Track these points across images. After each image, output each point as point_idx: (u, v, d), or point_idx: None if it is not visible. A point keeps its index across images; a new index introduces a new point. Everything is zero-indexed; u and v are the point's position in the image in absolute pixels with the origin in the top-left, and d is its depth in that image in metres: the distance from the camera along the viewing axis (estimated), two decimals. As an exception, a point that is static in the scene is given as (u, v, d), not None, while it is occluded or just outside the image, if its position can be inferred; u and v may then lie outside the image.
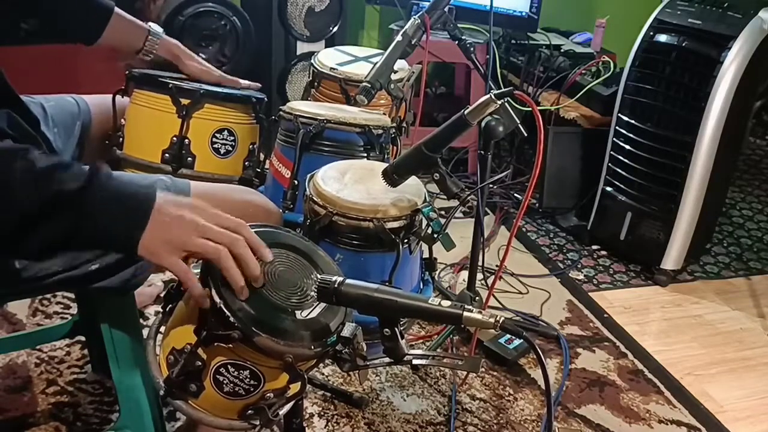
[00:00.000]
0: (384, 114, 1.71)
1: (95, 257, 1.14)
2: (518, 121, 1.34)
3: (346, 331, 0.95)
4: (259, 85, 1.55)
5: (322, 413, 1.73)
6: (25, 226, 0.84)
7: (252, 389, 0.93)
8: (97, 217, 0.87)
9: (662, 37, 2.32)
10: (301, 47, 2.94)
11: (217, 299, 0.89)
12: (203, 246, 0.88)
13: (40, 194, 0.84)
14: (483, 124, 1.39)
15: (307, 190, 1.39)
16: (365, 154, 1.60)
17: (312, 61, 1.86)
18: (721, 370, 2.05)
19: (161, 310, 1.02)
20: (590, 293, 2.36)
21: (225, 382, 0.92)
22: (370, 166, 1.48)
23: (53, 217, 0.85)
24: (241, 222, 0.93)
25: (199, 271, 0.94)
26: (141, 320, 1.66)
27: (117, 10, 1.40)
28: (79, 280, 1.15)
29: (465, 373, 1.87)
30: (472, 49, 1.82)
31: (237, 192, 1.29)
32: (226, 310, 0.88)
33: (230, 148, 1.44)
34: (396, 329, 0.91)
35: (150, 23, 1.45)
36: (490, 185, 2.82)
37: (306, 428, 1.41)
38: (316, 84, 1.84)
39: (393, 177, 1.34)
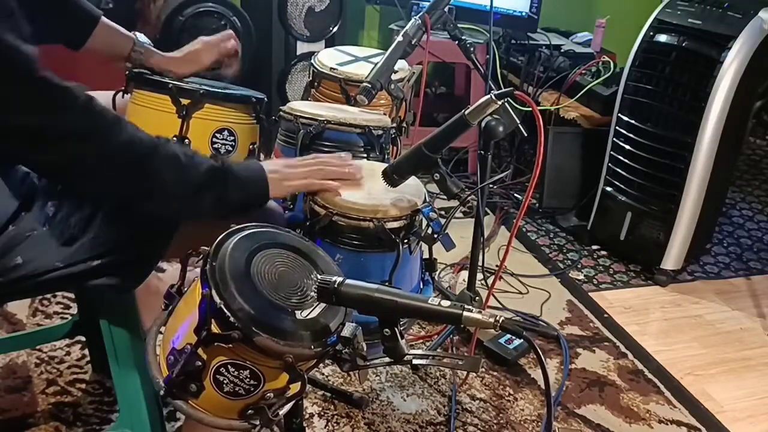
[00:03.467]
0: (384, 114, 1.71)
1: (96, 254, 1.15)
2: (518, 121, 1.34)
3: (346, 331, 0.95)
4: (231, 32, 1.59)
5: (322, 413, 1.73)
6: (196, 197, 1.10)
7: (252, 389, 0.93)
8: (240, 182, 1.14)
9: (662, 37, 2.32)
10: (301, 47, 2.94)
11: (217, 299, 0.89)
12: (303, 176, 1.25)
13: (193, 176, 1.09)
14: (483, 124, 1.38)
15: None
16: (365, 155, 1.60)
17: (312, 61, 1.86)
18: (721, 370, 2.05)
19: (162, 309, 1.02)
20: (590, 293, 2.36)
21: (225, 382, 0.92)
22: (371, 167, 1.48)
23: (211, 185, 1.10)
24: (315, 159, 1.30)
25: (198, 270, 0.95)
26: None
27: (104, 19, 1.42)
28: (79, 276, 1.15)
29: (465, 373, 1.87)
30: (472, 49, 1.82)
31: None
32: (226, 310, 0.88)
33: (230, 148, 1.44)
34: (396, 329, 0.91)
35: (137, 33, 1.47)
36: (490, 185, 2.82)
37: (306, 428, 1.41)
38: (316, 84, 1.84)
39: (393, 177, 1.34)
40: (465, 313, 0.87)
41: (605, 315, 2.24)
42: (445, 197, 1.37)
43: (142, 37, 1.47)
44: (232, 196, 1.13)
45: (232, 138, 1.44)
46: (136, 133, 1.06)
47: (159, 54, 1.49)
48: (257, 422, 0.96)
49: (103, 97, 1.44)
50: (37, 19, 1.30)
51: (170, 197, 1.10)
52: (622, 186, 2.46)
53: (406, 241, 1.35)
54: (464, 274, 2.18)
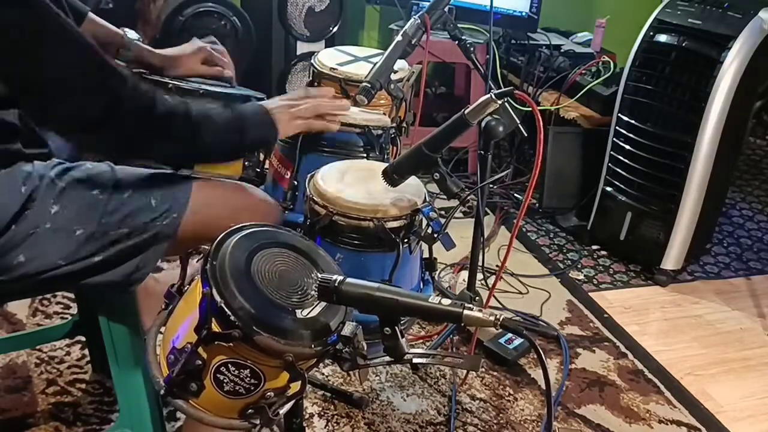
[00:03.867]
0: (384, 114, 1.71)
1: (97, 250, 1.15)
2: (518, 121, 1.35)
3: (347, 330, 0.95)
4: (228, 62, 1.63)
5: (322, 413, 1.73)
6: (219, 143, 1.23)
7: (252, 388, 0.93)
8: (254, 126, 1.29)
9: (662, 37, 2.32)
10: (301, 47, 2.94)
11: (217, 298, 0.89)
12: (306, 115, 1.40)
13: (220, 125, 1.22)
14: (483, 124, 1.39)
15: (307, 190, 1.39)
16: (365, 155, 1.61)
17: (312, 61, 1.86)
18: (721, 370, 2.05)
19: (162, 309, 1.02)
20: (590, 293, 2.35)
21: (225, 381, 0.92)
22: (370, 166, 1.48)
23: (233, 133, 1.25)
24: (315, 100, 1.43)
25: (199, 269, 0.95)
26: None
27: (91, 14, 1.41)
28: (80, 273, 1.15)
29: (465, 372, 1.87)
30: (472, 49, 1.82)
31: (238, 189, 1.30)
32: (226, 309, 0.88)
33: (230, 148, 1.44)
34: (396, 328, 0.91)
35: (126, 29, 1.46)
36: (490, 185, 2.82)
37: (306, 428, 1.41)
38: (316, 84, 1.84)
39: (393, 177, 1.34)
40: (465, 312, 0.87)
41: (605, 315, 2.24)
42: (445, 197, 1.37)
43: (131, 33, 1.46)
44: (249, 139, 1.28)
45: (232, 138, 1.43)
46: (169, 102, 1.16)
47: (149, 50, 1.48)
48: (257, 421, 0.96)
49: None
50: None
51: (205, 145, 1.22)
52: (622, 186, 2.46)
53: (406, 240, 1.36)
54: (464, 274, 2.18)
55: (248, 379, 0.92)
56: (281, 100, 1.39)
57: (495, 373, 1.92)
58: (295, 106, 1.38)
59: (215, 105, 1.26)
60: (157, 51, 1.50)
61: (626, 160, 2.41)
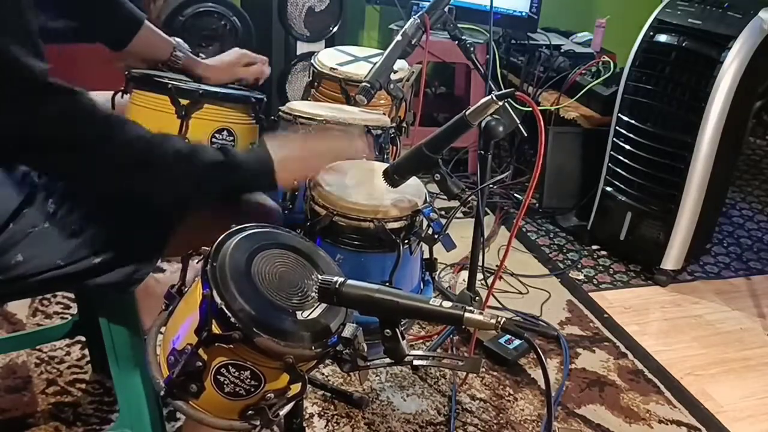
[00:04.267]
0: (384, 114, 1.71)
1: (96, 251, 1.15)
2: (518, 122, 1.35)
3: (347, 332, 0.95)
4: (265, 58, 1.61)
5: (322, 413, 1.73)
6: (200, 190, 1.11)
7: (253, 390, 0.93)
8: (243, 170, 1.14)
9: (662, 37, 2.31)
10: (301, 47, 2.94)
11: (218, 300, 0.89)
12: (314, 167, 1.28)
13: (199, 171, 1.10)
14: (483, 124, 1.39)
15: (307, 190, 1.39)
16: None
17: (312, 61, 1.86)
18: (721, 370, 2.05)
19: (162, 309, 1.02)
20: (590, 293, 2.35)
21: (226, 382, 0.92)
22: (371, 167, 1.48)
23: (216, 179, 1.11)
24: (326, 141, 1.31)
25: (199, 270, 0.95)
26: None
27: (147, 22, 1.44)
28: (80, 274, 1.15)
29: (465, 373, 1.87)
30: (472, 49, 1.82)
31: None
32: (227, 311, 0.88)
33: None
34: (397, 330, 0.91)
35: (176, 38, 1.49)
36: (491, 185, 2.81)
37: (306, 428, 1.41)
38: (316, 84, 1.84)
39: (393, 177, 1.34)
40: (466, 314, 0.87)
41: (605, 315, 2.24)
42: (445, 197, 1.37)
43: (182, 42, 1.49)
44: (236, 187, 1.17)
45: (231, 138, 1.43)
46: (140, 131, 1.06)
47: (195, 60, 1.52)
48: (257, 423, 0.96)
49: (102, 97, 1.44)
50: (82, 17, 1.33)
51: (177, 190, 1.11)
52: (622, 186, 2.45)
53: (406, 241, 1.36)
54: (464, 274, 2.18)
55: (248, 380, 0.92)
56: (295, 152, 1.23)
57: (495, 373, 1.92)
58: (307, 157, 1.24)
59: (209, 148, 1.15)
60: (202, 61, 1.53)
61: (626, 160, 2.41)
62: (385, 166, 1.38)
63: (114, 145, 1.03)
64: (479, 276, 1.88)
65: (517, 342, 1.98)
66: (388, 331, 0.91)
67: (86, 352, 1.83)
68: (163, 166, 1.07)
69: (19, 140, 0.97)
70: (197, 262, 0.96)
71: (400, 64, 1.75)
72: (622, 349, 2.09)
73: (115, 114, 1.09)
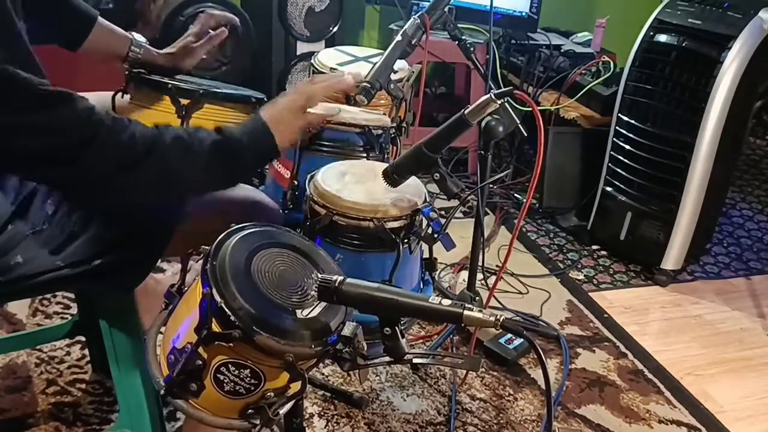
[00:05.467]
0: (384, 114, 1.71)
1: (96, 252, 1.15)
2: (518, 121, 1.35)
3: (347, 330, 0.95)
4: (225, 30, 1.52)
5: (322, 413, 1.73)
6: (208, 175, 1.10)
7: (252, 388, 0.93)
8: (247, 146, 1.13)
9: (662, 37, 2.32)
10: (301, 47, 2.94)
11: (217, 298, 0.89)
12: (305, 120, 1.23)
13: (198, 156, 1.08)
14: (483, 124, 1.39)
15: (307, 190, 1.39)
16: (365, 154, 1.61)
17: (312, 61, 1.86)
18: (721, 370, 2.05)
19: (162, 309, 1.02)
20: (590, 293, 2.35)
21: (225, 381, 0.92)
22: (370, 166, 1.48)
23: (217, 164, 1.10)
24: (305, 92, 1.24)
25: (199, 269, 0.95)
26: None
27: (100, 19, 1.40)
28: (80, 276, 1.15)
29: (465, 372, 1.87)
30: (472, 49, 1.82)
31: (238, 189, 1.30)
32: (226, 309, 0.88)
33: (230, 148, 1.43)
34: (396, 328, 0.91)
35: (133, 33, 1.46)
36: (490, 185, 2.82)
37: (306, 428, 1.41)
38: (316, 84, 1.83)
39: (393, 177, 1.34)
40: (466, 312, 0.87)
41: (605, 315, 2.24)
42: (445, 197, 1.37)
43: (139, 36, 1.46)
44: (243, 162, 1.14)
45: (232, 138, 1.43)
46: (137, 127, 1.05)
47: (156, 52, 1.47)
48: (257, 421, 0.96)
49: (102, 97, 1.44)
50: (33, 19, 1.31)
51: (182, 180, 1.10)
52: (622, 186, 2.45)
53: (406, 240, 1.36)
54: (464, 274, 2.18)
55: (248, 379, 0.92)
56: (282, 108, 1.23)
57: (495, 373, 1.92)
58: (295, 108, 1.23)
59: (204, 131, 1.14)
60: (161, 51, 1.49)
61: (626, 160, 2.41)
62: (384, 165, 1.38)
63: (117, 143, 1.02)
64: (479, 276, 1.89)
65: (517, 342, 1.98)
66: (387, 329, 0.91)
67: (86, 352, 1.83)
68: (166, 160, 1.06)
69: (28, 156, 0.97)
70: (197, 261, 0.96)
71: (400, 64, 1.75)
72: (622, 349, 2.09)
73: (112, 113, 1.06)
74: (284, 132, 1.17)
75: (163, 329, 1.01)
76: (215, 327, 0.89)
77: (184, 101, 1.37)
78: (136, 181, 1.05)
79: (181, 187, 1.11)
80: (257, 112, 1.19)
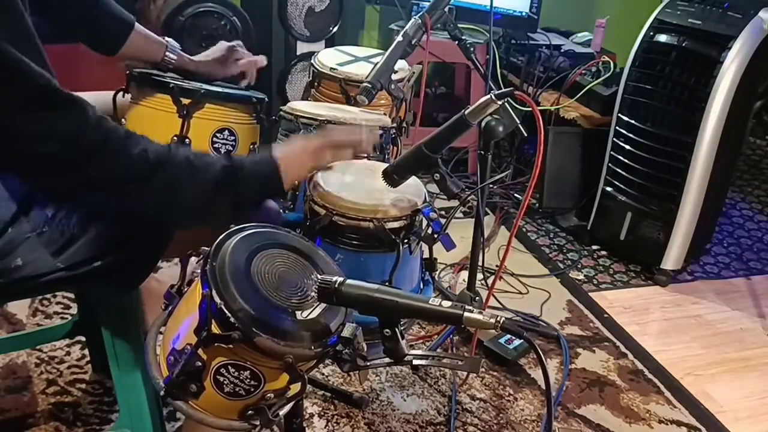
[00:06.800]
0: (384, 114, 1.71)
1: (96, 254, 1.14)
2: (518, 121, 1.34)
3: (347, 332, 0.95)
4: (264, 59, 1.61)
5: (322, 413, 1.73)
6: (208, 202, 1.11)
7: (252, 390, 0.93)
8: (253, 179, 1.14)
9: (662, 37, 2.32)
10: (301, 47, 2.94)
11: (217, 299, 0.89)
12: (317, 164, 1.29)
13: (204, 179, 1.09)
14: (483, 124, 1.39)
15: (307, 190, 1.39)
16: (365, 155, 1.60)
17: (312, 61, 1.86)
18: (721, 370, 2.05)
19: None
20: (590, 293, 2.35)
21: (225, 382, 0.92)
22: (370, 166, 1.48)
23: (223, 190, 1.10)
24: (321, 143, 1.28)
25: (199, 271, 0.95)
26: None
27: (137, 25, 1.43)
28: (80, 277, 1.15)
29: (465, 372, 1.87)
30: (472, 49, 1.82)
31: None
32: (226, 311, 0.88)
33: (231, 148, 1.44)
34: (396, 329, 0.91)
35: (168, 38, 1.49)
36: (490, 185, 2.82)
37: (306, 428, 1.41)
38: (316, 84, 1.84)
39: (393, 177, 1.34)
40: (466, 314, 0.86)
41: (605, 315, 2.24)
42: (445, 197, 1.37)
43: (173, 42, 1.49)
44: (246, 194, 1.14)
45: (232, 138, 1.43)
46: (148, 144, 1.05)
47: (188, 58, 1.51)
48: (257, 423, 0.96)
49: (103, 97, 1.44)
50: (71, 25, 1.33)
51: (187, 202, 1.10)
52: (622, 186, 2.45)
53: (406, 241, 1.35)
54: (464, 274, 2.18)
55: (248, 380, 0.92)
56: (296, 149, 1.26)
57: (495, 373, 1.92)
58: (307, 152, 1.25)
59: (212, 157, 1.15)
60: (193, 58, 1.52)
61: (626, 160, 2.41)
62: (384, 166, 1.38)
63: (128, 158, 1.03)
64: (479, 276, 1.88)
65: (517, 342, 1.98)
66: (387, 330, 0.91)
67: (86, 352, 1.84)
68: (174, 178, 1.07)
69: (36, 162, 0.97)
70: (197, 262, 0.96)
71: (401, 64, 1.75)
72: (622, 349, 2.09)
73: (123, 128, 1.06)
74: (293, 169, 1.20)
75: (162, 330, 1.01)
76: (215, 328, 0.89)
77: (186, 101, 1.37)
78: (140, 196, 1.06)
79: (183, 207, 1.11)
80: (272, 147, 1.23)
